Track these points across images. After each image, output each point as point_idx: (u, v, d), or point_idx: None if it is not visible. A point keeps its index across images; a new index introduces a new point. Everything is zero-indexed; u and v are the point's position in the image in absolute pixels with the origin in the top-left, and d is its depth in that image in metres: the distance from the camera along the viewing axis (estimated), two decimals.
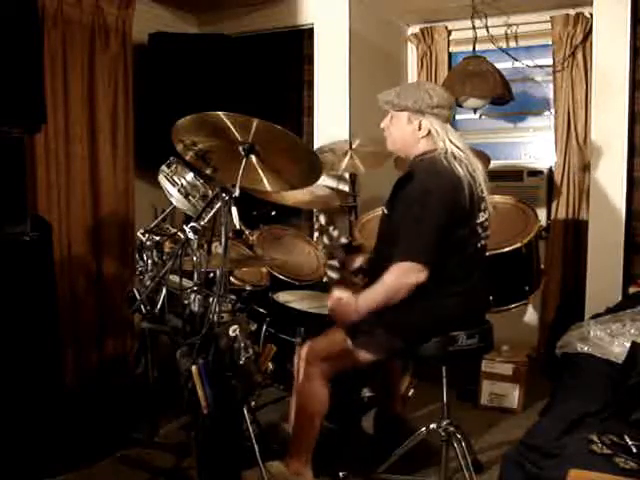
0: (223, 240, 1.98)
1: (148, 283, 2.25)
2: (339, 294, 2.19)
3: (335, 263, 3.60)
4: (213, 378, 1.90)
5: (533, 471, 1.78)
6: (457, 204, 2.08)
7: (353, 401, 2.61)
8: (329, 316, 2.27)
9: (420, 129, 2.18)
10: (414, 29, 4.46)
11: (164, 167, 2.34)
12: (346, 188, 3.85)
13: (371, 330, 2.16)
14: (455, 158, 2.13)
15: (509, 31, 4.09)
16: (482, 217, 2.20)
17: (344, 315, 2.17)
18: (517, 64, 4.11)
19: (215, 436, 1.99)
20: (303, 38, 4.12)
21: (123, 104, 3.54)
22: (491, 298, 2.79)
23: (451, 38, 4.33)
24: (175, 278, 2.16)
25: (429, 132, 2.17)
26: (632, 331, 2.63)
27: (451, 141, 2.17)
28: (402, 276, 2.06)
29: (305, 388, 2.26)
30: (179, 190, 2.29)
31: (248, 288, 2.87)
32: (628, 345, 2.39)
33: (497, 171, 3.93)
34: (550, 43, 3.93)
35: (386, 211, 2.30)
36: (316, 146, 3.81)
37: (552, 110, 4.02)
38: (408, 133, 2.21)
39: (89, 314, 3.37)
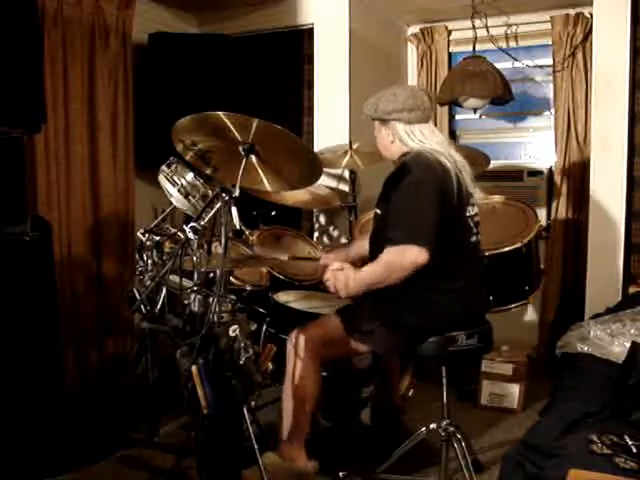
0: (223, 240, 1.98)
1: (148, 283, 2.25)
2: (339, 265, 2.20)
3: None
4: (213, 378, 1.90)
5: (533, 471, 1.78)
6: (447, 193, 2.08)
7: (353, 400, 2.61)
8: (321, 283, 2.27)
9: (388, 135, 2.23)
10: (414, 29, 4.46)
11: (164, 167, 2.34)
12: (346, 188, 3.86)
13: (369, 327, 2.17)
14: (439, 152, 2.14)
15: (509, 31, 4.09)
16: (472, 211, 2.21)
17: (340, 284, 2.16)
18: (517, 64, 4.11)
19: (215, 436, 1.99)
20: (303, 38, 4.12)
21: (123, 104, 3.53)
22: (491, 298, 2.80)
23: (451, 38, 4.32)
24: (175, 278, 2.16)
25: (399, 136, 2.21)
26: (632, 331, 2.63)
27: (422, 141, 2.18)
28: (398, 256, 2.03)
29: (297, 372, 2.25)
30: (179, 190, 2.29)
31: (248, 288, 2.87)
32: (628, 345, 2.39)
33: (497, 171, 3.94)
34: (550, 43, 3.93)
35: (378, 211, 2.30)
36: (316, 146, 3.81)
37: (552, 110, 4.02)
38: (386, 139, 2.26)
39: (89, 314, 3.37)
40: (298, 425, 2.28)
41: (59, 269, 3.07)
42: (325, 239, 4.04)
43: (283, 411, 2.32)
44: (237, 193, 2.03)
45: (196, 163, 2.24)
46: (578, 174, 3.86)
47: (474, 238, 2.22)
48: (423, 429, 2.33)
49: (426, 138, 2.19)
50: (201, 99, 3.38)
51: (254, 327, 2.10)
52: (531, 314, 4.05)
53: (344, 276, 2.15)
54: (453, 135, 4.46)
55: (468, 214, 2.19)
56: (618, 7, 3.35)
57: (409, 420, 2.79)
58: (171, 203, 2.37)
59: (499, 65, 3.77)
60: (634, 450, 1.71)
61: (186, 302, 2.08)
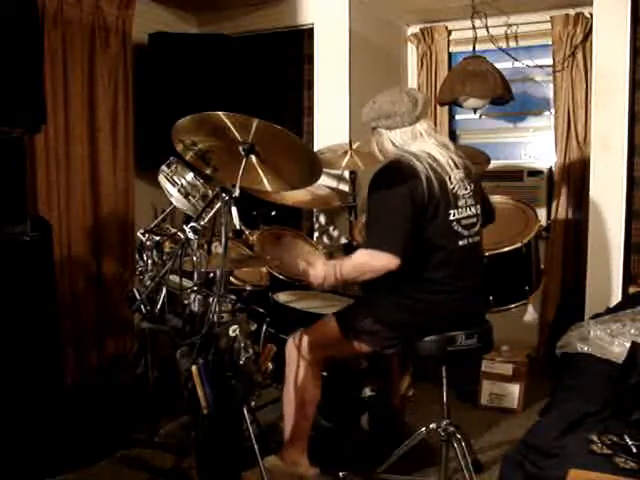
0: (223, 240, 1.98)
1: (148, 283, 2.25)
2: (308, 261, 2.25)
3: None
4: (213, 378, 1.90)
5: (533, 471, 1.78)
6: (415, 198, 2.07)
7: (353, 401, 2.61)
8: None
9: (374, 142, 2.27)
10: (414, 29, 4.45)
11: (164, 167, 2.34)
12: (346, 188, 3.86)
13: (363, 326, 2.18)
14: (415, 156, 2.13)
15: (509, 31, 4.09)
16: (459, 214, 2.17)
17: (309, 276, 2.20)
18: (517, 64, 4.11)
19: (215, 436, 1.99)
20: (303, 38, 4.11)
21: (123, 104, 3.54)
22: (491, 298, 2.80)
23: (451, 38, 4.32)
24: (175, 278, 2.16)
25: (383, 142, 2.23)
26: (632, 331, 2.63)
27: (402, 146, 2.18)
28: (369, 259, 2.08)
29: (297, 376, 2.26)
30: (179, 190, 2.29)
31: (248, 288, 2.87)
32: (628, 345, 2.39)
33: (497, 171, 3.94)
34: (550, 43, 3.93)
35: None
36: (316, 146, 3.81)
37: (552, 110, 4.02)
38: (373, 145, 2.30)
39: (89, 314, 3.37)
40: (299, 429, 2.28)
41: (59, 269, 3.07)
42: (325, 239, 4.05)
43: (284, 416, 2.33)
44: (237, 193, 2.03)
45: (196, 163, 2.23)
46: (578, 174, 3.86)
47: (464, 241, 2.18)
48: (423, 429, 2.32)
49: (405, 143, 2.18)
50: (201, 99, 3.38)
51: (254, 327, 2.10)
52: (531, 314, 4.05)
53: (318, 266, 2.19)
54: (453, 135, 4.46)
55: (453, 217, 2.15)
56: (618, 7, 3.35)
57: (409, 420, 2.79)
58: (171, 203, 2.37)
59: (499, 65, 3.77)
60: (634, 450, 1.71)
61: (186, 302, 2.08)
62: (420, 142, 2.18)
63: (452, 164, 2.17)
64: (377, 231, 2.11)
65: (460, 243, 2.18)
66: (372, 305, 2.20)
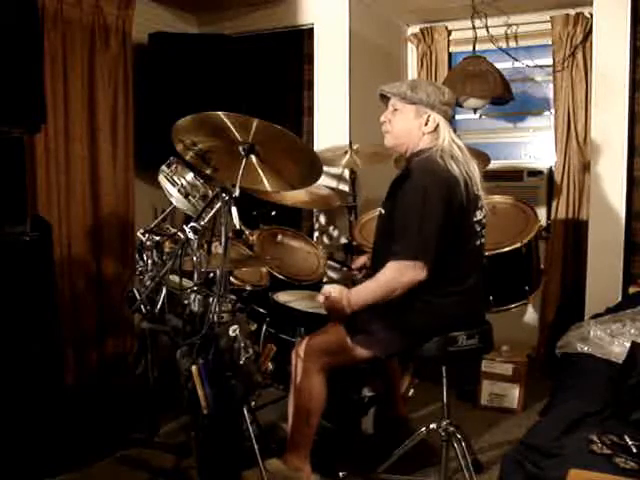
0: (223, 240, 1.98)
1: (148, 283, 2.25)
2: (328, 289, 2.21)
3: (335, 263, 3.61)
4: (213, 378, 1.90)
5: (533, 471, 1.78)
6: (453, 202, 2.08)
7: (353, 401, 2.61)
8: (326, 314, 2.28)
9: (427, 124, 2.18)
10: (414, 29, 4.46)
11: (164, 167, 2.34)
12: (346, 188, 3.86)
13: (371, 329, 2.17)
14: (452, 157, 2.13)
15: (509, 31, 4.10)
16: (479, 215, 2.21)
17: (336, 310, 2.19)
18: (517, 64, 4.11)
19: (215, 436, 1.99)
20: (303, 38, 4.11)
21: (123, 104, 3.53)
22: (491, 298, 2.80)
23: (451, 38, 4.33)
24: (175, 278, 2.16)
25: (435, 128, 2.18)
26: (632, 331, 2.64)
27: (453, 140, 2.18)
28: (398, 274, 2.06)
29: (302, 384, 2.25)
30: (179, 190, 2.29)
31: (248, 288, 2.87)
32: (628, 345, 2.39)
33: (497, 171, 3.94)
34: (550, 43, 3.93)
35: (383, 211, 2.30)
36: (316, 146, 3.82)
37: (552, 110, 4.02)
38: (414, 127, 2.21)
39: (89, 314, 3.37)
40: (303, 437, 2.27)
41: (59, 269, 3.07)
42: (325, 239, 4.05)
43: (289, 421, 2.32)
44: (237, 193, 2.03)
45: (196, 163, 2.24)
46: (578, 174, 3.86)
47: (478, 241, 2.21)
48: (423, 429, 2.33)
49: (455, 137, 2.20)
50: (201, 99, 3.37)
51: (254, 327, 2.10)
52: (531, 314, 4.05)
53: (334, 304, 2.17)
54: None
55: (475, 219, 2.18)
56: (618, 7, 3.36)
57: (409, 420, 2.79)
58: (171, 203, 2.37)
59: (499, 65, 3.78)
60: (634, 450, 1.71)
61: (186, 302, 2.08)
62: (458, 140, 2.21)
63: (475, 166, 2.19)
64: (408, 237, 2.07)
65: (477, 243, 2.21)
66: (383, 309, 2.16)
